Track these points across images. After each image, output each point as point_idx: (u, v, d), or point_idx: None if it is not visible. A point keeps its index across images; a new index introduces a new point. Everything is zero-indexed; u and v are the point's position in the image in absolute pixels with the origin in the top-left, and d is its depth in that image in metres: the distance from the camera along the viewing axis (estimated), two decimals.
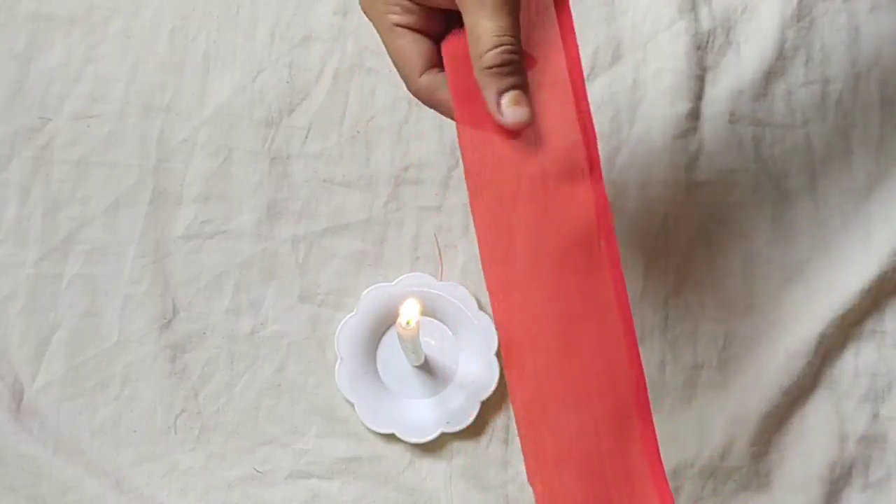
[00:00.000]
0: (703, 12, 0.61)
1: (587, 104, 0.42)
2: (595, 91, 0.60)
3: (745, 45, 0.61)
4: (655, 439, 0.41)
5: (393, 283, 0.57)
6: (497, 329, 0.41)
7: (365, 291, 0.57)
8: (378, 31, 0.42)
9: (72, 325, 0.57)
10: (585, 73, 0.60)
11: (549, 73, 0.42)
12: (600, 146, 0.59)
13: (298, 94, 0.60)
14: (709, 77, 0.60)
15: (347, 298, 0.58)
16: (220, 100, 0.59)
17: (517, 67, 0.40)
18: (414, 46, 0.42)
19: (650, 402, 0.42)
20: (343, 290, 0.58)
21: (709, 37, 0.61)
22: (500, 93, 0.40)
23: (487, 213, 0.41)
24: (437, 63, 0.42)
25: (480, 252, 0.41)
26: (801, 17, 0.61)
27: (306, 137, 0.59)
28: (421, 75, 0.42)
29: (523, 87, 0.40)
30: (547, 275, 0.41)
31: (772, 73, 0.60)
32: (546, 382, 0.41)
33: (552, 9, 0.42)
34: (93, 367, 0.57)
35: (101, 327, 0.57)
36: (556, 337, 0.41)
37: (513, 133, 0.41)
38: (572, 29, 0.42)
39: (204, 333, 0.57)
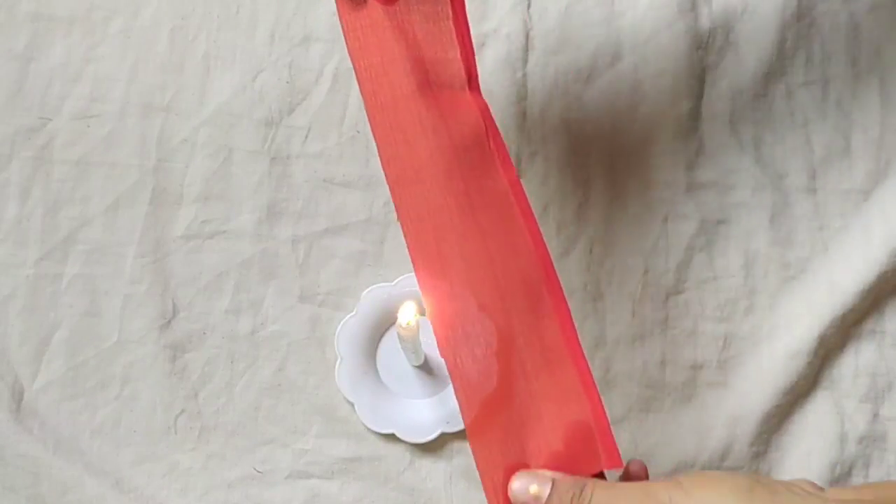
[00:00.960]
0: (703, 12, 0.61)
1: (465, 20, 0.46)
2: (595, 91, 0.60)
3: (745, 45, 0.61)
4: (568, 312, 0.43)
5: (393, 284, 0.57)
6: (400, 221, 0.45)
7: (365, 291, 0.57)
8: None
9: (72, 325, 0.57)
10: (585, 74, 0.60)
11: None
12: (600, 145, 0.59)
13: (298, 94, 0.60)
14: (709, 77, 0.60)
15: (347, 298, 0.58)
16: (220, 100, 0.59)
17: None
18: None
19: (562, 285, 0.44)
20: (343, 290, 0.58)
21: (709, 37, 0.61)
22: None
23: (382, 115, 0.46)
24: None
25: (379, 153, 0.46)
26: (801, 17, 0.61)
27: (306, 137, 0.59)
28: None
29: None
30: (446, 171, 0.45)
31: (772, 73, 0.60)
32: (451, 265, 0.44)
33: None
34: (93, 367, 0.56)
35: (101, 327, 0.57)
36: (458, 225, 0.44)
37: (389, 21, 0.46)
38: None
39: (204, 333, 0.57)
